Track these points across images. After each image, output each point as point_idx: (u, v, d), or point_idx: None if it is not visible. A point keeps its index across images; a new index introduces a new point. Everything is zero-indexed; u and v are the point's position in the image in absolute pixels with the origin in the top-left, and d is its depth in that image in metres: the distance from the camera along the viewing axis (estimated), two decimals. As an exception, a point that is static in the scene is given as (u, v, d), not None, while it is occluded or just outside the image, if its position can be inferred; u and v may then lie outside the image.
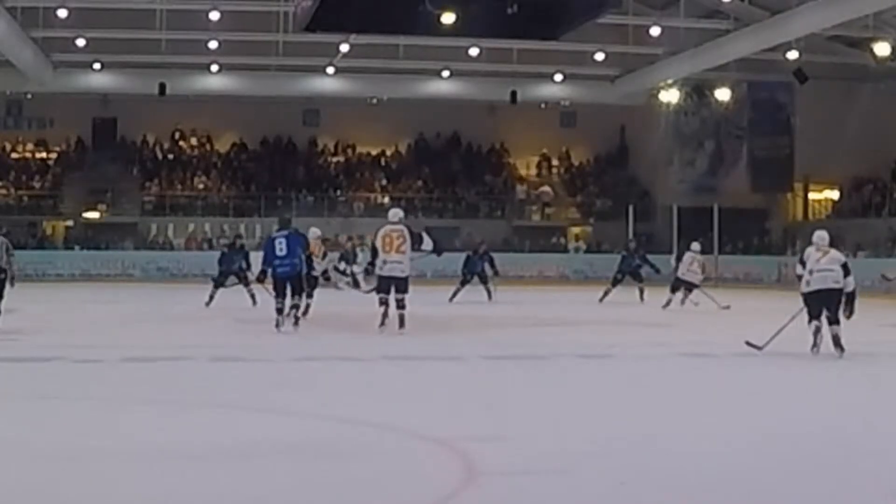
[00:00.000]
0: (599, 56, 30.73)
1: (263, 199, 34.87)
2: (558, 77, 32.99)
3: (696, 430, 7.55)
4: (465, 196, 36.39)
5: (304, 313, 15.24)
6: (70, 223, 34.21)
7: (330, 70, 32.13)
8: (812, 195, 35.49)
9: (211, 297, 19.37)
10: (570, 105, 35.79)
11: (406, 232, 14.26)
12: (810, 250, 12.04)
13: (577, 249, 34.71)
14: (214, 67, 31.80)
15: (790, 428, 7.66)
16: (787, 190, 34.56)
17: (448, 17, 12.38)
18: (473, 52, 29.48)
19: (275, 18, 26.43)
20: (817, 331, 11.63)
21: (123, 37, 29.18)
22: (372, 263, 14.50)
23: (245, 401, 8.64)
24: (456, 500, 5.58)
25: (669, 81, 31.53)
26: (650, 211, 34.70)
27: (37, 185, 34.89)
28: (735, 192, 32.62)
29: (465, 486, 5.83)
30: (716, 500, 5.69)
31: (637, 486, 5.88)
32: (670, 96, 32.01)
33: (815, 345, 11.70)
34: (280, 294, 14.41)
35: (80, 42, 29.08)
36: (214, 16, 26.74)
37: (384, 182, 36.67)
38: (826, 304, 11.48)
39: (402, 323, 14.12)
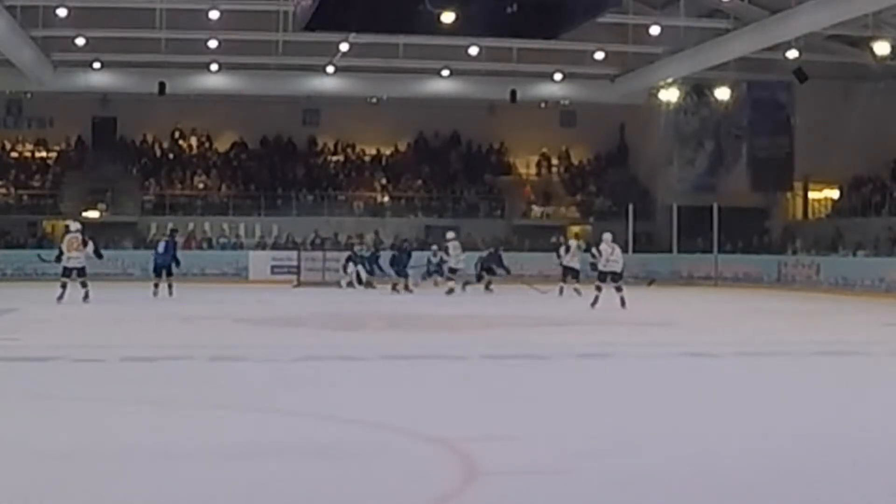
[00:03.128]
0: (599, 55, 30.69)
1: (263, 199, 34.89)
2: (558, 76, 32.96)
3: (697, 430, 7.55)
4: (465, 195, 36.38)
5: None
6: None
7: (330, 69, 32.08)
8: (812, 194, 35.48)
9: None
10: (570, 104, 35.77)
11: (80, 238, 20.67)
12: (603, 246, 19.71)
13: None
14: (214, 67, 31.75)
15: (790, 427, 7.66)
16: (787, 189, 34.54)
17: (448, 17, 12.34)
18: (473, 51, 29.47)
19: (275, 18, 26.44)
20: (599, 291, 19.54)
21: (123, 36, 29.16)
22: (59, 259, 20.44)
23: (245, 401, 8.63)
24: (456, 500, 5.58)
25: (669, 81, 31.50)
26: (650, 210, 34.71)
27: (37, 184, 34.89)
28: (735, 192, 32.61)
29: (465, 486, 5.83)
30: (716, 500, 5.69)
31: (637, 486, 5.87)
32: (670, 95, 31.98)
33: (595, 302, 19.31)
34: (159, 275, 22.56)
35: (80, 41, 29.03)
36: (214, 15, 26.69)
37: (384, 182, 36.64)
38: (612, 280, 19.50)
39: (86, 297, 19.80)
